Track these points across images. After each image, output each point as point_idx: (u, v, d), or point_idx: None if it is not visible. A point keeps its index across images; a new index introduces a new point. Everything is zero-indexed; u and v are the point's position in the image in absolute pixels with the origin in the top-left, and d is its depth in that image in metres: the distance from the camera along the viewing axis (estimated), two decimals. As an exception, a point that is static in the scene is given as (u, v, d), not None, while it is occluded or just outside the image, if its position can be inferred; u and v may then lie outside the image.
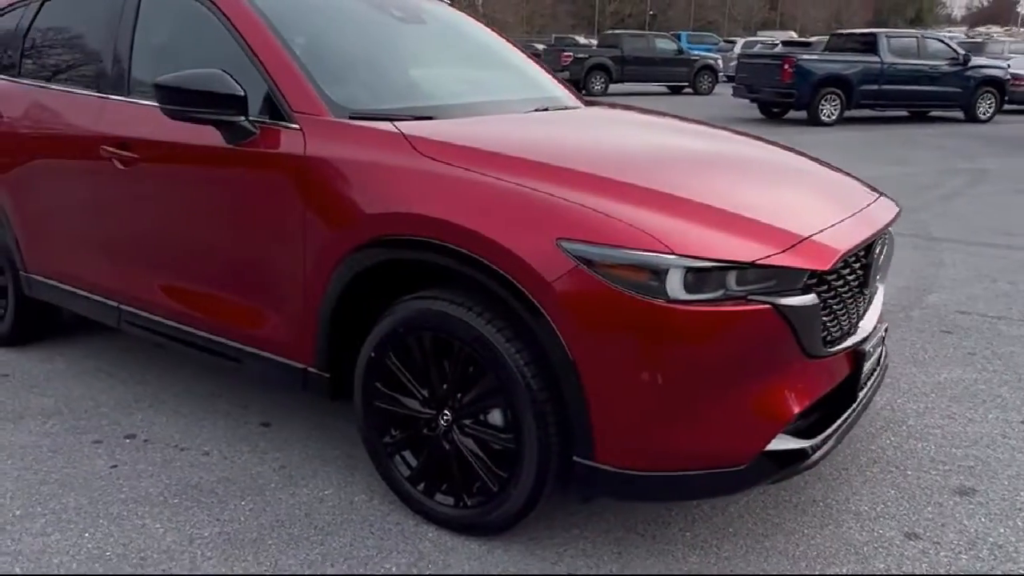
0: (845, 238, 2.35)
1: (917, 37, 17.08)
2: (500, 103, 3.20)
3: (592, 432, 2.18)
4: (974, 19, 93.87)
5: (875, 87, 15.96)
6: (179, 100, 2.67)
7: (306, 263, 2.62)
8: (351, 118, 2.65)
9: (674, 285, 2.06)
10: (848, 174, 3.00)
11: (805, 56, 16.10)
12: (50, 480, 2.83)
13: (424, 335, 2.43)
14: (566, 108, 3.32)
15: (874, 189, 2.89)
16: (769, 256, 2.14)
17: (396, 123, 2.59)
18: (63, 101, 3.39)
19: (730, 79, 27.51)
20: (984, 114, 16.91)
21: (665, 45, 24.90)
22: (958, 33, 42.69)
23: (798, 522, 2.64)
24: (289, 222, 2.63)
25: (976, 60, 17.00)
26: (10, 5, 3.79)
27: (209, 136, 2.78)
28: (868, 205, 2.66)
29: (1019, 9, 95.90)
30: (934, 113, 17.68)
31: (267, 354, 2.83)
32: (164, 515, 2.64)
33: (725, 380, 2.14)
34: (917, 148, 12.69)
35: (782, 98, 16.12)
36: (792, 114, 16.58)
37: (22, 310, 3.84)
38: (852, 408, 2.50)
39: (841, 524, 2.63)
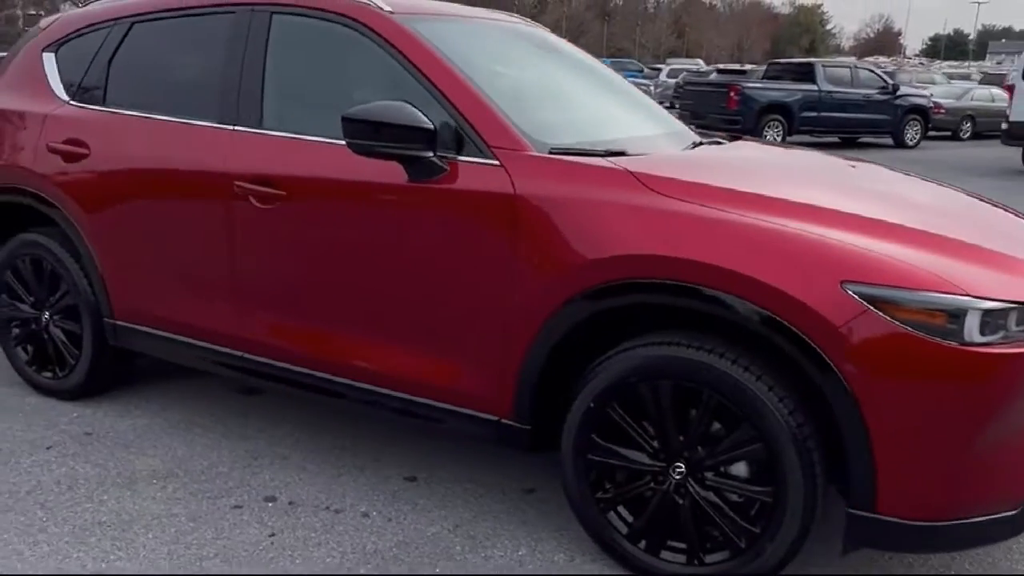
0: None
1: (850, 67, 17.93)
2: (657, 137, 3.10)
3: (875, 482, 2.08)
4: (862, 50, 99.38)
5: (814, 114, 16.62)
6: (366, 134, 2.47)
7: (513, 310, 2.44)
8: (550, 154, 2.51)
9: (971, 328, 2.00)
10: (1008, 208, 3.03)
11: (749, 84, 16.64)
12: (208, 555, 2.54)
13: (662, 383, 2.29)
14: (716, 143, 3.24)
15: None
16: None
17: (611, 159, 2.46)
18: (171, 132, 3.09)
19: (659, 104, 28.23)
20: (911, 140, 17.82)
21: (599, 71, 25.27)
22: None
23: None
24: (493, 266, 2.46)
25: (903, 89, 17.93)
26: (88, 25, 3.46)
27: (383, 172, 2.58)
28: None
29: (902, 41, 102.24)
30: (862, 139, 18.52)
31: (449, 406, 2.63)
32: (358, 589, 2.40)
33: (1012, 422, 2.08)
34: (868, 173, 13.18)
35: (728, 124, 16.55)
36: (736, 140, 17.02)
37: (99, 360, 3.48)
38: None
39: (1054, 562, 2.62)
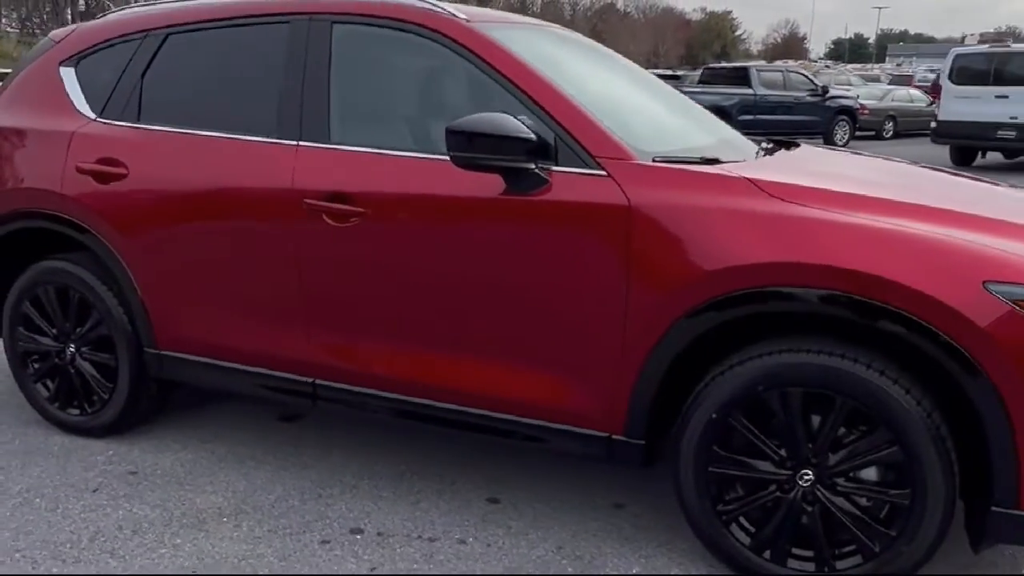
0: None
1: (782, 71, 18.49)
2: (729, 143, 3.10)
3: (1018, 479, 2.11)
4: (770, 54, 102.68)
5: (751, 117, 17.05)
6: (470, 146, 2.38)
7: (627, 324, 2.39)
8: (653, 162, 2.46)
9: None
10: None
11: (688, 88, 16.96)
12: (313, 595, 2.40)
13: (791, 391, 2.27)
14: (785, 148, 3.24)
15: None
16: None
17: (726, 166, 2.43)
18: (224, 149, 2.92)
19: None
20: (840, 140, 18.46)
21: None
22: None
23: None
24: (605, 279, 2.39)
25: (832, 91, 18.61)
26: (114, 37, 3.24)
27: (478, 186, 2.50)
28: None
29: (807, 45, 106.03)
30: (795, 141, 19.09)
31: (554, 425, 2.55)
32: (482, 620, 2.30)
33: None
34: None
35: (669, 129, 16.85)
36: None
37: (136, 393, 3.26)
38: None
39: None
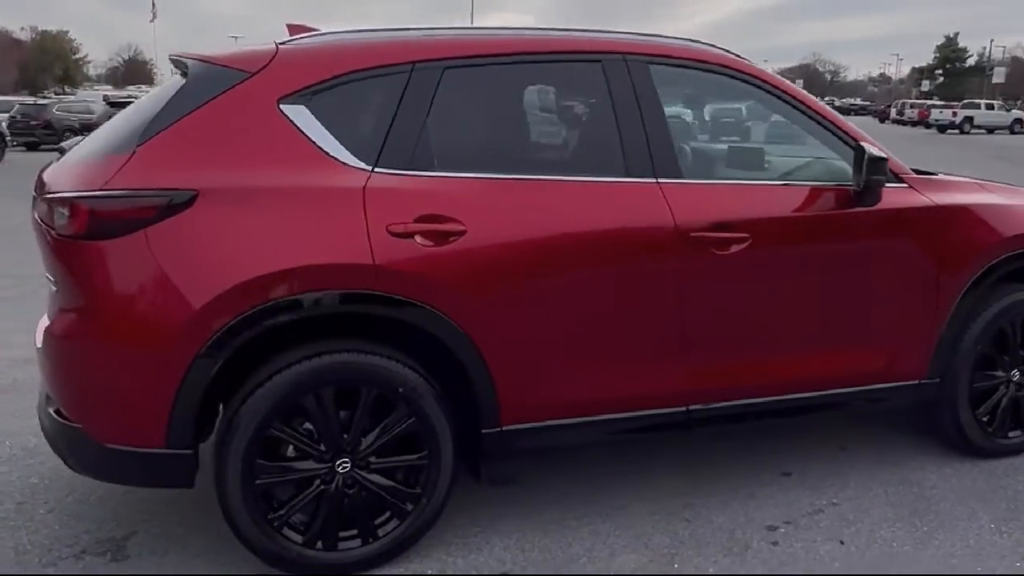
0: None
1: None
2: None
3: None
4: (116, 78, 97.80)
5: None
6: (881, 170, 2.95)
7: (940, 293, 3.21)
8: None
9: None
10: None
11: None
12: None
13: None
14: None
15: None
16: None
17: (953, 176, 3.45)
18: (576, 192, 2.74)
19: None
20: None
21: None
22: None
23: None
24: (926, 261, 3.19)
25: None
26: (366, 68, 2.58)
27: (832, 204, 3.06)
28: None
29: (153, 70, 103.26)
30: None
31: (891, 384, 3.24)
32: None
33: None
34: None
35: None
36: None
37: (451, 489, 2.73)
38: None
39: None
